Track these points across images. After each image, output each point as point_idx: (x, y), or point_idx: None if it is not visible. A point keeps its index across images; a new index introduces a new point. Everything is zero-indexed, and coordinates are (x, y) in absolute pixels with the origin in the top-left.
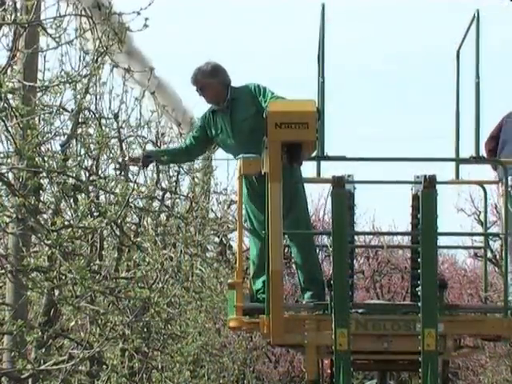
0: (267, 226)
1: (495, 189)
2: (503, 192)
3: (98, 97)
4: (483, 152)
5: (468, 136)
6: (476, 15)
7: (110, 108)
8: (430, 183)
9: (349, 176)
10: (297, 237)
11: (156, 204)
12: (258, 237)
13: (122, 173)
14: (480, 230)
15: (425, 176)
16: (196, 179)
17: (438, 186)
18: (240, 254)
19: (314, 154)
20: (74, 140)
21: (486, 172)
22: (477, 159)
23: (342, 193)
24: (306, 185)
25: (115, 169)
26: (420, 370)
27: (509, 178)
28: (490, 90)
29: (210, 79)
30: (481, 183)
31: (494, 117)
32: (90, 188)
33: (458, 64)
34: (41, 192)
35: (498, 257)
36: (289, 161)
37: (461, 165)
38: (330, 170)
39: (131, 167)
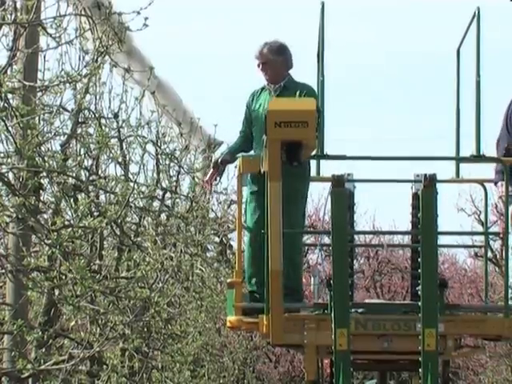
0: (267, 225)
1: (495, 188)
2: (502, 193)
3: (97, 96)
4: (496, 151)
5: (468, 135)
6: (476, 13)
7: (109, 108)
8: (430, 182)
9: (349, 175)
10: (287, 243)
11: (156, 204)
12: (255, 237)
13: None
14: (480, 230)
15: (425, 175)
16: (196, 179)
17: (438, 185)
18: (239, 254)
19: (313, 153)
20: (74, 140)
21: (487, 171)
22: (477, 158)
23: (342, 192)
24: None
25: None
26: (420, 369)
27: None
28: (491, 89)
29: (275, 56)
30: (481, 182)
31: (495, 115)
32: (90, 188)
33: (458, 62)
34: (41, 192)
35: (498, 256)
36: (288, 160)
37: (461, 164)
38: (329, 169)
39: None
